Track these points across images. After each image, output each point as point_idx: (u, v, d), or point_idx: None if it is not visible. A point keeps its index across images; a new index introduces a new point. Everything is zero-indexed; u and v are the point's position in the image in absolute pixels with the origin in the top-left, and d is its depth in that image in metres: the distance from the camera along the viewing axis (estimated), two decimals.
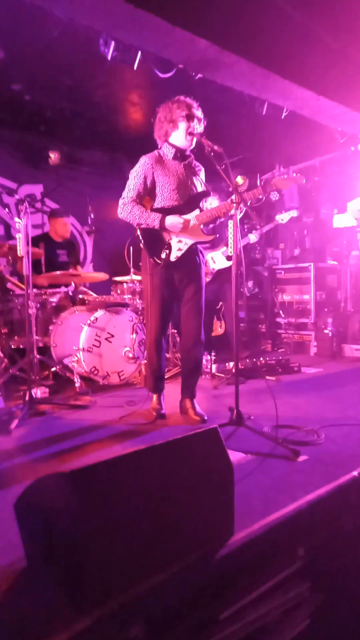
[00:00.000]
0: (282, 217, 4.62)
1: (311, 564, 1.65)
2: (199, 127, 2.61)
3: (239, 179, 5.65)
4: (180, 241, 2.61)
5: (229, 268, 3.99)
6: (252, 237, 4.41)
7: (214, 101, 4.52)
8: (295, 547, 1.61)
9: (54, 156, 5.33)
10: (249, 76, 3.70)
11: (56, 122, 5.08)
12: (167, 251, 2.60)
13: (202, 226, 2.66)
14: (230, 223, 2.54)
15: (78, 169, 5.81)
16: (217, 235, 2.97)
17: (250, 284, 6.39)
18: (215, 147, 2.39)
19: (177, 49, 3.34)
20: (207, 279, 4.42)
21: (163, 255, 2.60)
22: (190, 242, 2.64)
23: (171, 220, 2.57)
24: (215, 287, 4.33)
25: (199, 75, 3.81)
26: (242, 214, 4.13)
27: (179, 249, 2.61)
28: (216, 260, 4.34)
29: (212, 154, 2.42)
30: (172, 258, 2.60)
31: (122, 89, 4.44)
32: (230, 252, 4.09)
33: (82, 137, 5.52)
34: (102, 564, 1.08)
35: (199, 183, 2.76)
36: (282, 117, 4.53)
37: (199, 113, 2.61)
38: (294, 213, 4.64)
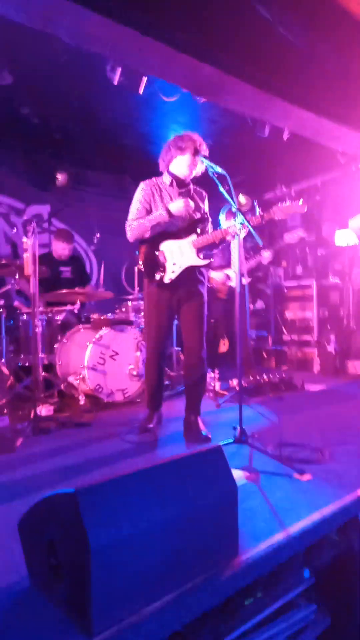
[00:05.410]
0: (290, 237, 4.59)
1: (317, 586, 1.63)
2: (200, 166, 2.71)
3: (242, 199, 5.72)
4: (174, 264, 2.69)
5: (243, 285, 4.01)
6: (266, 255, 4.41)
7: (217, 123, 4.63)
8: (300, 568, 1.59)
9: (61, 177, 5.46)
10: (252, 100, 3.78)
11: (64, 144, 5.21)
12: (162, 273, 2.69)
13: (197, 250, 2.72)
14: (234, 243, 2.57)
15: (85, 190, 5.92)
16: (212, 260, 3.01)
17: (258, 303, 6.39)
18: (218, 169, 2.45)
19: (182, 75, 3.44)
20: (225, 297, 4.44)
21: (157, 277, 2.69)
22: (184, 265, 2.70)
23: (176, 206, 2.63)
24: (229, 305, 4.34)
25: (203, 100, 3.90)
26: (244, 234, 4.15)
27: (173, 271, 2.69)
28: (233, 277, 4.35)
29: (215, 175, 2.47)
30: (166, 280, 2.69)
31: (128, 112, 4.56)
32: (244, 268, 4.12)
33: (89, 159, 5.65)
34: (107, 585, 1.08)
35: (198, 209, 2.81)
36: (285, 138, 4.61)
37: (204, 151, 2.69)
38: (300, 233, 4.62)
